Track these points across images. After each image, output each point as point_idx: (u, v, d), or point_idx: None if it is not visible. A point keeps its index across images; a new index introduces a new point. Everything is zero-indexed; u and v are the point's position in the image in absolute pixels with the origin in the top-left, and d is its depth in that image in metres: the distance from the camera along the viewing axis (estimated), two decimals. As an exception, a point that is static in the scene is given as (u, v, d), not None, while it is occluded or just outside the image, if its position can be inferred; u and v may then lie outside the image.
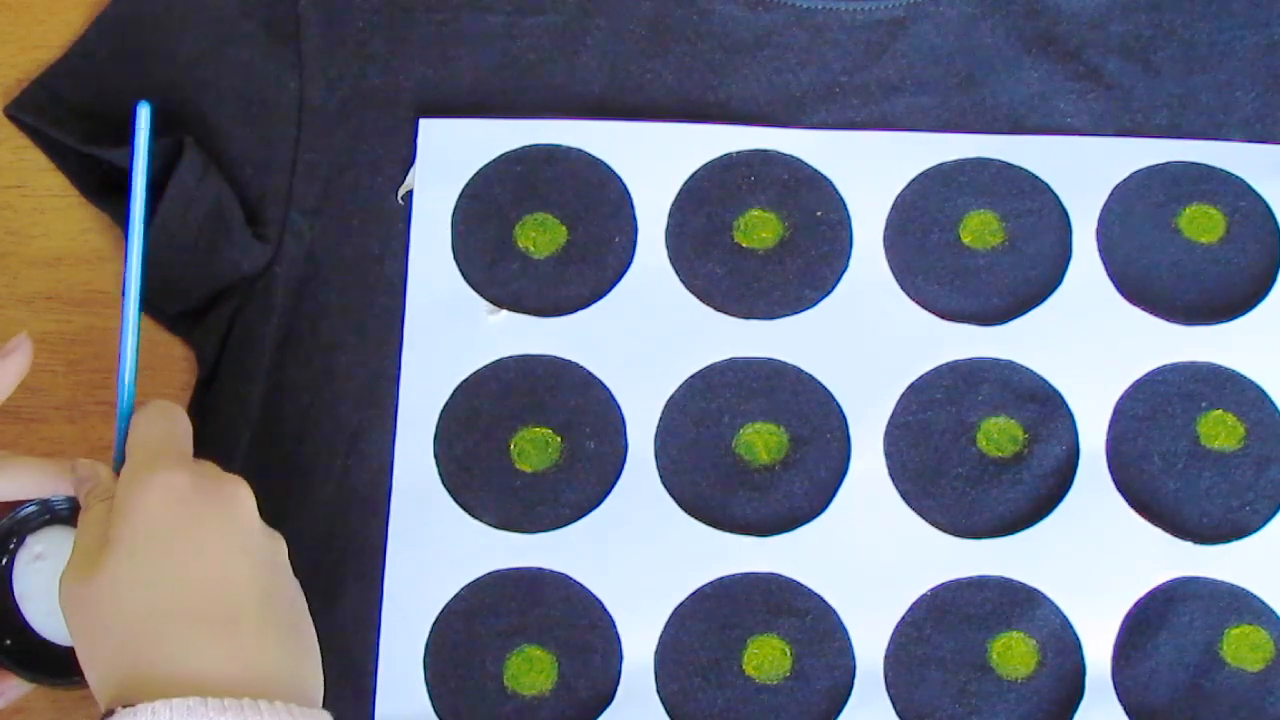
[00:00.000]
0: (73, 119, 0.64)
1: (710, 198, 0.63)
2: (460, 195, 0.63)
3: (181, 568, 0.49)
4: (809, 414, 0.60)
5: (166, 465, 0.50)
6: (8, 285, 0.64)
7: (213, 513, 0.50)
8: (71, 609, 0.50)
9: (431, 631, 0.57)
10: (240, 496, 0.51)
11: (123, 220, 0.63)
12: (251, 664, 0.48)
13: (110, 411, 0.57)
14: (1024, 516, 0.59)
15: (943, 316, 0.62)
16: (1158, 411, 0.60)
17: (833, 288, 0.62)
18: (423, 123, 0.64)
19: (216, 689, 0.47)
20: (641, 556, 0.58)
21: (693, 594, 0.58)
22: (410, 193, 0.63)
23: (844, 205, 0.63)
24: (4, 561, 0.55)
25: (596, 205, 0.63)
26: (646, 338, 0.61)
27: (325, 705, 0.50)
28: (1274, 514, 0.59)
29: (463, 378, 0.60)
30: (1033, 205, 0.63)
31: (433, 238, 0.62)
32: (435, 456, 0.59)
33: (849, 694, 0.56)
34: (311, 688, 0.50)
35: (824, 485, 0.59)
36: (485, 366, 0.61)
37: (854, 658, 0.57)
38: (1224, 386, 0.61)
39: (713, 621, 0.57)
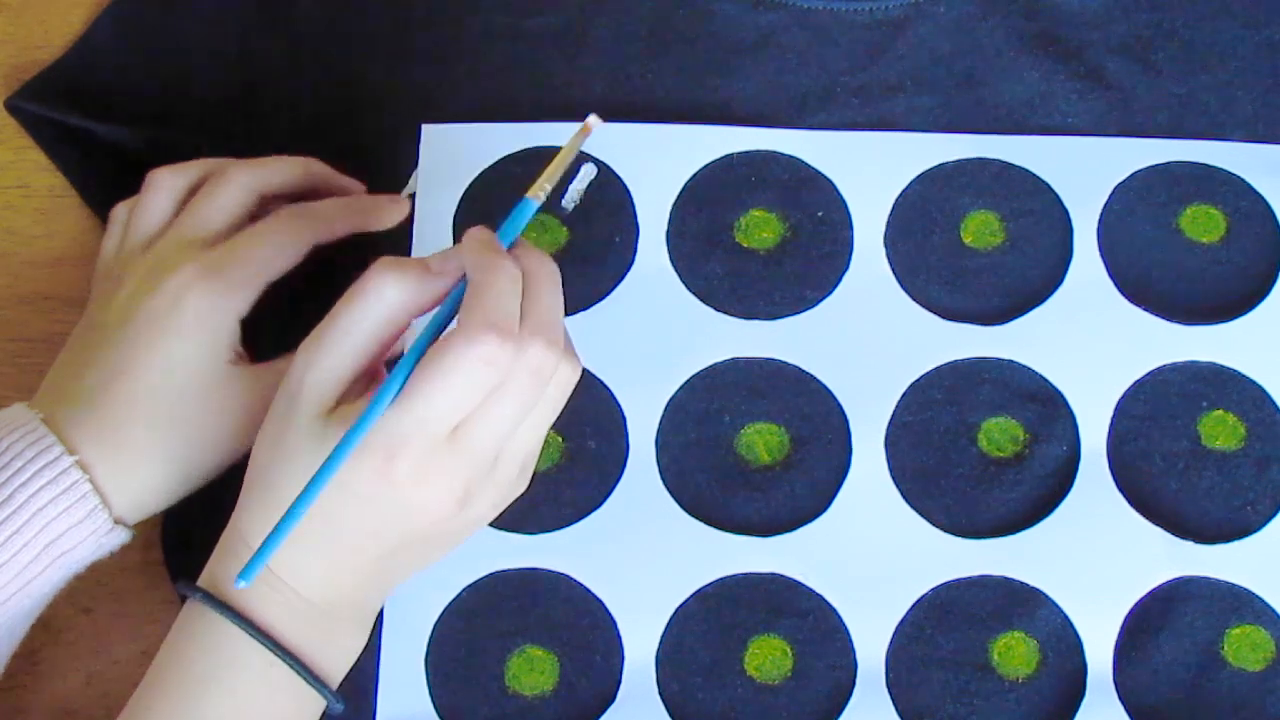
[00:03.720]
0: (73, 111, 0.64)
1: (711, 198, 0.63)
2: (462, 199, 0.63)
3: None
4: (810, 414, 0.60)
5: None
6: (8, 285, 0.64)
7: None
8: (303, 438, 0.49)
9: (433, 632, 0.57)
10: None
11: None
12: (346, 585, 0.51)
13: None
14: (1025, 516, 0.59)
15: (944, 316, 0.62)
16: (1159, 411, 0.60)
17: (834, 288, 0.62)
18: (425, 128, 0.64)
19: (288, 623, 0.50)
20: (643, 556, 0.58)
21: (694, 594, 0.58)
22: (412, 196, 0.63)
23: (845, 205, 0.63)
24: None
25: (597, 206, 0.63)
26: (647, 338, 0.61)
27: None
28: (1275, 514, 0.59)
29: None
30: (1033, 205, 0.63)
31: (434, 241, 0.62)
32: (436, 457, 0.59)
33: (850, 694, 0.56)
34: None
35: (825, 485, 0.59)
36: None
37: (855, 658, 0.57)
38: (1225, 386, 0.61)
39: (714, 621, 0.57)
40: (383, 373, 0.51)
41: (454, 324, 0.48)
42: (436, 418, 0.47)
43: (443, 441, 0.48)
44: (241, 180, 0.58)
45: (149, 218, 0.58)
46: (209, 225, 0.57)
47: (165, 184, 0.58)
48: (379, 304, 0.49)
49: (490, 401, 0.48)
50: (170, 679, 0.50)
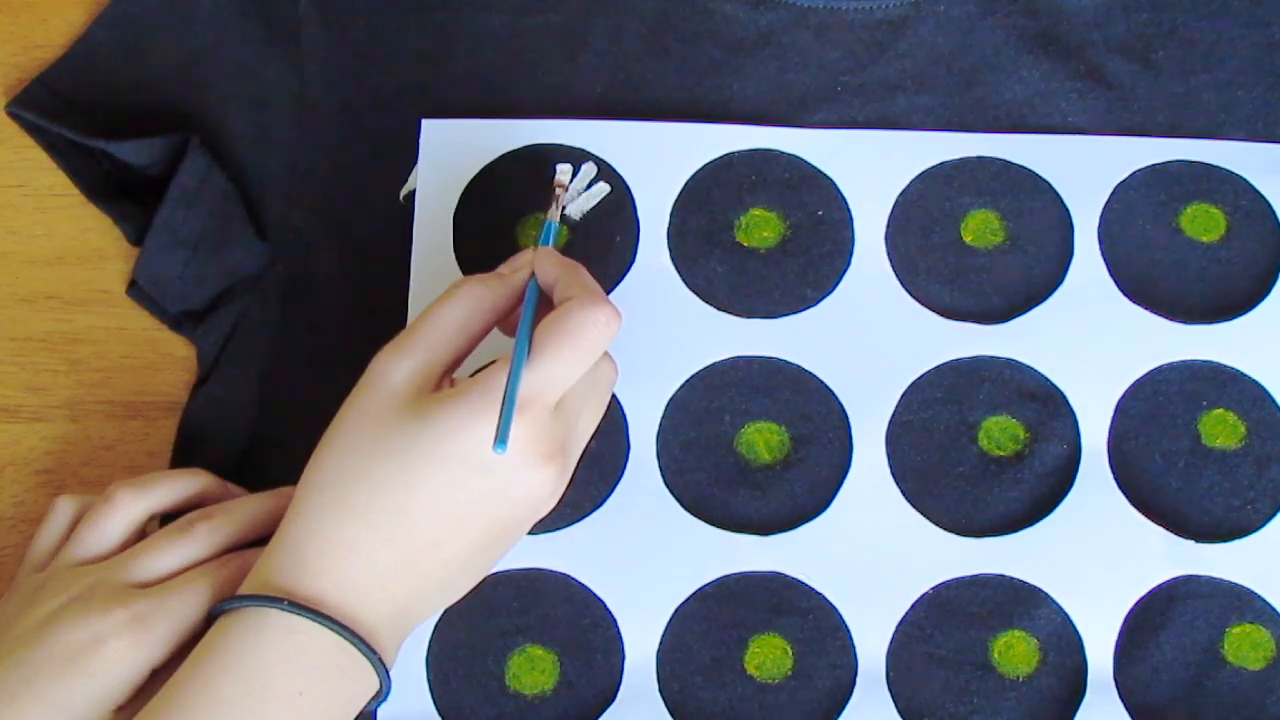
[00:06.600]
0: (74, 116, 0.64)
1: (711, 197, 0.63)
2: (462, 195, 0.63)
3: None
4: (810, 413, 0.60)
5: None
6: (9, 284, 0.64)
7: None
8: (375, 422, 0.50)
9: (434, 631, 0.57)
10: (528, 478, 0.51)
11: (123, 220, 0.63)
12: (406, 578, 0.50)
13: (112, 410, 0.58)
14: (1025, 515, 0.59)
15: (944, 315, 0.62)
16: (1159, 410, 0.60)
17: (834, 287, 0.62)
18: (425, 123, 0.64)
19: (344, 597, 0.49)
20: (643, 556, 0.58)
21: (694, 593, 0.58)
22: (413, 193, 0.63)
23: (845, 204, 0.63)
24: None
25: (598, 204, 0.63)
26: (648, 337, 0.61)
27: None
28: (1275, 513, 0.59)
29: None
30: (1034, 204, 0.64)
31: (435, 238, 0.62)
32: (437, 456, 0.59)
33: (851, 693, 0.56)
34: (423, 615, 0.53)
35: (825, 484, 0.59)
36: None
37: (855, 657, 0.57)
38: (1225, 385, 0.61)
39: (714, 620, 0.57)
40: (454, 381, 0.52)
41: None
42: (562, 375, 0.50)
43: (552, 407, 0.50)
44: (219, 526, 0.54)
45: (101, 538, 0.54)
46: (148, 571, 0.53)
47: (126, 504, 0.55)
48: (463, 301, 0.53)
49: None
50: (189, 696, 0.47)
